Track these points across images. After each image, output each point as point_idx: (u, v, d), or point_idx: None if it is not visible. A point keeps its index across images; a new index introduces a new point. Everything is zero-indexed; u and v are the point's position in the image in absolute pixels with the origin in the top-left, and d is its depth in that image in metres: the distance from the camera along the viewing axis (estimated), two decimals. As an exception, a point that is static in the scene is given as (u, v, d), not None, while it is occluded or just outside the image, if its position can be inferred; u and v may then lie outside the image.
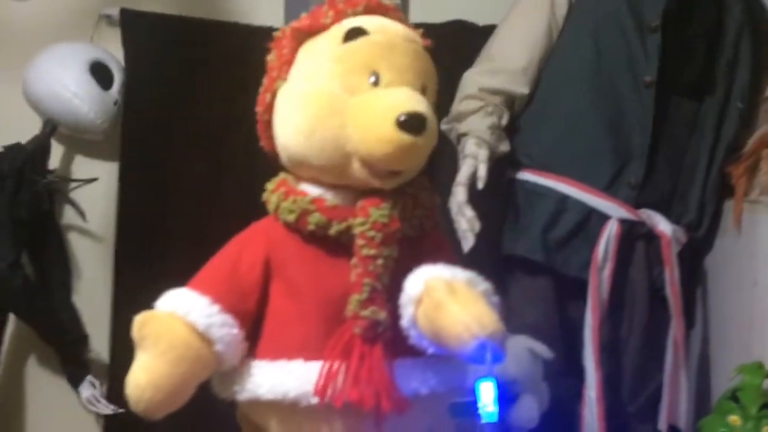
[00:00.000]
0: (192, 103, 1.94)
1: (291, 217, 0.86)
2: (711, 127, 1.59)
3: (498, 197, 1.59)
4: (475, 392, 0.78)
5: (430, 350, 0.82)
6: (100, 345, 1.92)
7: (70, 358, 1.85)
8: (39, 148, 1.81)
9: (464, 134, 1.53)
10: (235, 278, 0.87)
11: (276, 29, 1.99)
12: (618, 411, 1.59)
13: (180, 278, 1.98)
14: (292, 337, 0.85)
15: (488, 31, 1.74)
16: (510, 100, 1.60)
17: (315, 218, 0.85)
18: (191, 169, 1.94)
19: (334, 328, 0.83)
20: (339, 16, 0.87)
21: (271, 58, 0.90)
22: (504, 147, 1.58)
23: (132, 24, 1.91)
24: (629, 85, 1.55)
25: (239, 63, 1.97)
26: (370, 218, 0.82)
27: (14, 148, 1.75)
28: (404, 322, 0.83)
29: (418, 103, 0.82)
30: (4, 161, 1.72)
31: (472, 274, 0.83)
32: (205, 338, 0.82)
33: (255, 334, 0.88)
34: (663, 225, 1.56)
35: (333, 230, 0.84)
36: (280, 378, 0.83)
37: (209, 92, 1.94)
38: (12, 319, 1.86)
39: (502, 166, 1.62)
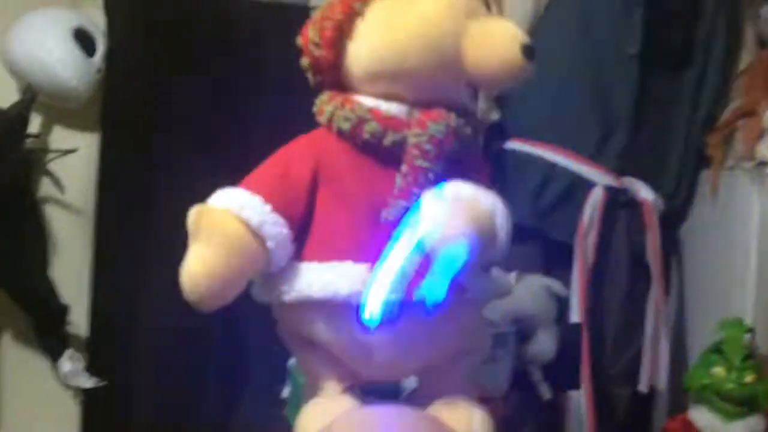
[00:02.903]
0: (176, 75, 1.90)
1: (346, 125, 0.83)
2: (688, 100, 1.63)
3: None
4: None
5: None
6: (78, 318, 1.87)
7: (49, 331, 1.73)
8: (18, 115, 1.73)
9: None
10: (285, 182, 0.84)
11: (264, 2, 2.04)
12: (600, 374, 1.64)
13: (161, 251, 1.97)
14: (342, 240, 0.83)
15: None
16: (498, 71, 1.66)
17: (371, 127, 0.82)
18: (174, 141, 1.87)
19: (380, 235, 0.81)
20: None
21: None
22: (494, 115, 1.62)
23: None
24: (613, 56, 1.57)
25: (225, 34, 1.95)
26: (427, 131, 0.81)
27: None
28: None
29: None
30: None
31: (480, 192, 0.81)
32: (257, 235, 0.80)
33: (301, 239, 0.85)
34: (645, 192, 1.59)
35: (388, 140, 0.82)
36: (331, 277, 0.81)
37: (194, 63, 1.91)
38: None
39: (490, 137, 1.66)
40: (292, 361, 1.12)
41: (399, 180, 0.83)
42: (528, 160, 1.61)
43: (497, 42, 0.81)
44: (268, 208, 0.82)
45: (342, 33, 0.87)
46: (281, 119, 1.87)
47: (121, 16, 1.86)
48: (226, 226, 0.79)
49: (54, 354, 1.79)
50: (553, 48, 1.62)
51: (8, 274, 1.70)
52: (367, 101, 0.86)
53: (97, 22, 1.85)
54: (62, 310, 1.80)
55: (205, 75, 1.90)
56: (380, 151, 0.85)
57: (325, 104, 0.88)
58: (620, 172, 1.62)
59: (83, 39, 1.76)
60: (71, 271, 1.88)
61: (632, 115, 1.61)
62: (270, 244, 0.82)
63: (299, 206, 0.85)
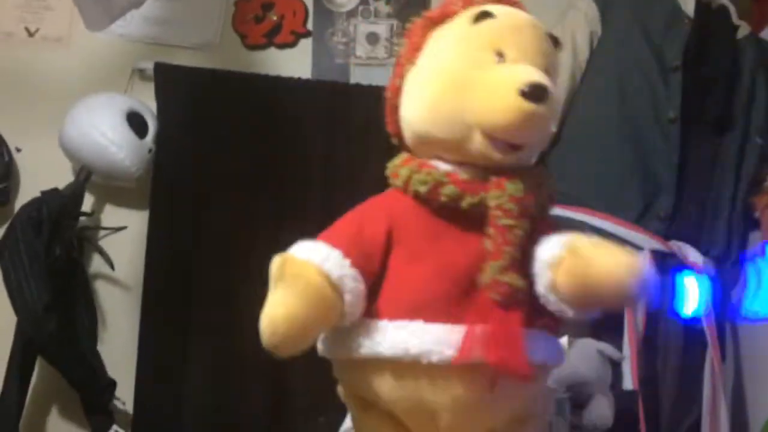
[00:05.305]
0: (223, 153, 1.89)
1: (423, 189, 0.84)
2: (733, 162, 1.62)
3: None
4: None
5: (571, 313, 0.82)
6: (124, 394, 1.89)
7: (96, 407, 1.74)
8: (73, 195, 1.77)
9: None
10: (361, 240, 0.84)
11: (304, 80, 2.14)
12: (658, 446, 1.58)
13: (206, 328, 2.01)
14: (412, 299, 0.83)
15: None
16: (538, 139, 1.69)
17: (449, 190, 0.83)
18: (220, 218, 1.88)
19: (454, 296, 0.82)
20: (468, 3, 0.89)
21: (402, 47, 0.96)
22: (535, 182, 1.64)
23: (166, 77, 1.90)
24: (654, 122, 1.57)
25: (269, 113, 2.03)
26: (506, 191, 0.82)
27: (52, 194, 1.72)
28: (540, 289, 0.82)
29: (540, 76, 0.81)
30: (42, 206, 1.68)
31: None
32: (336, 288, 0.80)
33: (372, 297, 0.84)
34: (694, 256, 1.56)
35: (465, 203, 0.83)
36: (401, 336, 0.80)
37: (239, 142, 1.96)
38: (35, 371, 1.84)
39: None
40: (343, 430, 1.12)
41: (488, 243, 0.83)
42: (571, 226, 1.59)
43: (493, 90, 0.83)
44: (347, 262, 0.81)
45: (396, 102, 0.92)
46: (325, 196, 1.94)
47: (170, 98, 1.96)
48: (309, 275, 0.80)
49: (100, 430, 1.80)
50: (593, 114, 1.64)
51: (59, 348, 1.74)
52: (444, 165, 0.87)
53: (148, 104, 1.96)
54: (109, 386, 1.82)
55: (251, 154, 1.97)
56: (455, 213, 0.85)
57: (399, 168, 0.89)
58: (666, 235, 1.60)
59: (135, 121, 1.85)
60: (118, 347, 1.92)
61: (676, 179, 1.59)
62: (348, 297, 0.81)
63: (374, 264, 0.84)
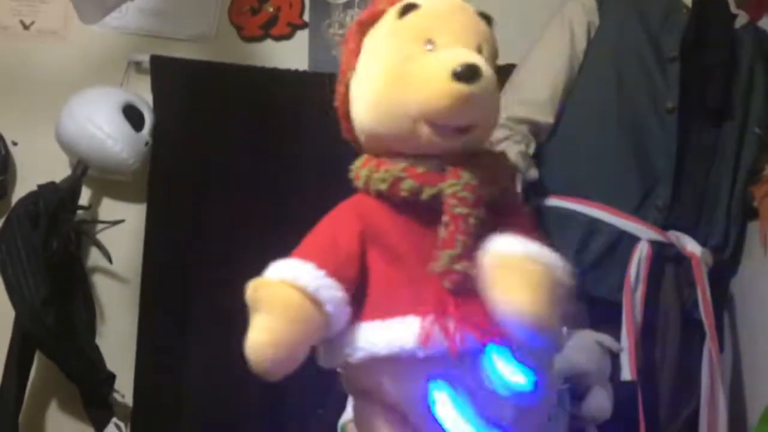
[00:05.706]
0: (220, 145, 1.88)
1: (383, 186, 0.86)
2: (731, 152, 1.61)
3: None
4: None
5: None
6: (123, 388, 1.88)
7: (96, 400, 1.74)
8: (70, 188, 1.77)
9: (494, 162, 1.59)
10: (334, 247, 0.85)
11: (301, 72, 2.13)
12: (659, 433, 1.58)
13: (205, 321, 2.02)
14: (402, 298, 0.83)
15: (506, 70, 1.82)
16: (535, 129, 1.61)
17: (407, 184, 0.85)
18: (217, 211, 1.87)
19: (432, 286, 0.83)
20: (394, 0, 0.90)
21: (342, 54, 0.96)
22: (533, 173, 1.57)
23: (162, 70, 1.89)
24: (652, 113, 1.57)
25: (265, 105, 2.02)
26: (461, 180, 0.83)
27: (49, 187, 1.71)
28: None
29: (472, 56, 0.82)
30: (39, 199, 1.68)
31: (542, 249, 0.82)
32: (315, 301, 0.80)
33: (358, 301, 0.85)
34: (691, 246, 1.55)
35: (425, 195, 0.84)
36: (396, 333, 0.81)
37: (236, 135, 1.93)
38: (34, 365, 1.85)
39: (528, 194, 1.68)
40: (342, 421, 1.12)
41: (442, 230, 0.84)
42: (569, 216, 1.60)
43: (426, 78, 0.84)
44: (322, 273, 0.82)
45: (346, 109, 0.94)
46: (322, 188, 1.93)
47: (167, 91, 1.96)
48: (284, 295, 0.80)
49: (99, 423, 1.81)
50: (591, 105, 1.64)
51: (57, 342, 1.74)
52: (401, 161, 0.88)
53: (144, 97, 1.95)
54: (108, 379, 1.82)
55: (248, 146, 1.96)
56: (419, 207, 0.86)
57: (359, 169, 0.91)
58: (665, 226, 1.59)
59: (131, 114, 1.85)
60: (117, 340, 1.92)
61: (674, 169, 1.58)
62: (328, 307, 0.81)
63: (351, 269, 0.84)
